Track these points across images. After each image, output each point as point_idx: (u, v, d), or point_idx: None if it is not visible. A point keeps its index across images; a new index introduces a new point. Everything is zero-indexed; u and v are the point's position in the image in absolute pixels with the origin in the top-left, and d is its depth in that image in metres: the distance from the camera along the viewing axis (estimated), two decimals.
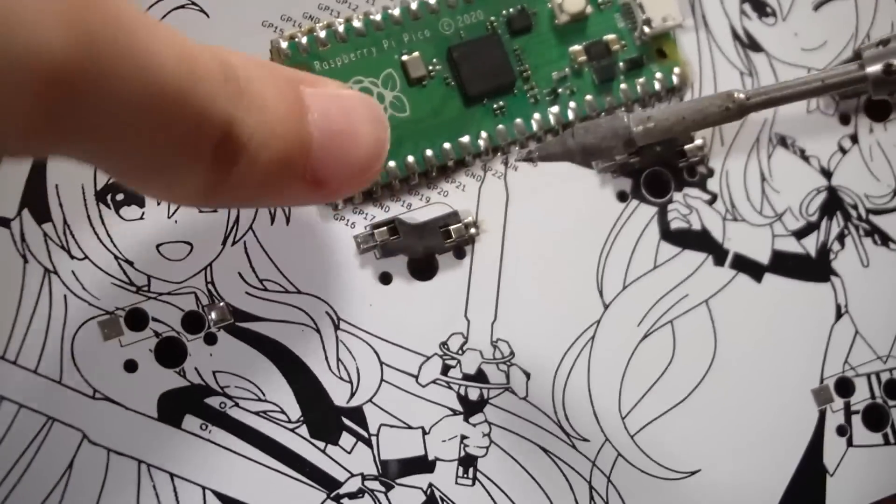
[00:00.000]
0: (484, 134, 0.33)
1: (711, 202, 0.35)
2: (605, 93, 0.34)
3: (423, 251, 0.32)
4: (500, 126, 0.33)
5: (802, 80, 0.25)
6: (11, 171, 0.30)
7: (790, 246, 0.36)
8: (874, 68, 0.24)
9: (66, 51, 0.16)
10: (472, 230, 0.33)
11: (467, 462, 0.32)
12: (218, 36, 0.32)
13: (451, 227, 0.33)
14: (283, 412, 0.31)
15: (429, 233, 0.33)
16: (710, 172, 0.35)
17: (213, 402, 0.31)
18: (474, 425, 0.33)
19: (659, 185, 0.35)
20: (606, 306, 0.34)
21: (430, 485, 0.32)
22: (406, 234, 0.32)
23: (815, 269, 0.36)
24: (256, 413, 0.31)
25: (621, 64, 0.34)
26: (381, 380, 0.32)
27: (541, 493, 0.33)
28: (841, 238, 0.36)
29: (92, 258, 0.31)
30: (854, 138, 0.36)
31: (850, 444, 0.35)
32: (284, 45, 0.32)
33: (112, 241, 0.31)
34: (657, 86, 0.34)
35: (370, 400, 0.32)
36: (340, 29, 0.32)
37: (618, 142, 0.27)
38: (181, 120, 0.19)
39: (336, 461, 0.31)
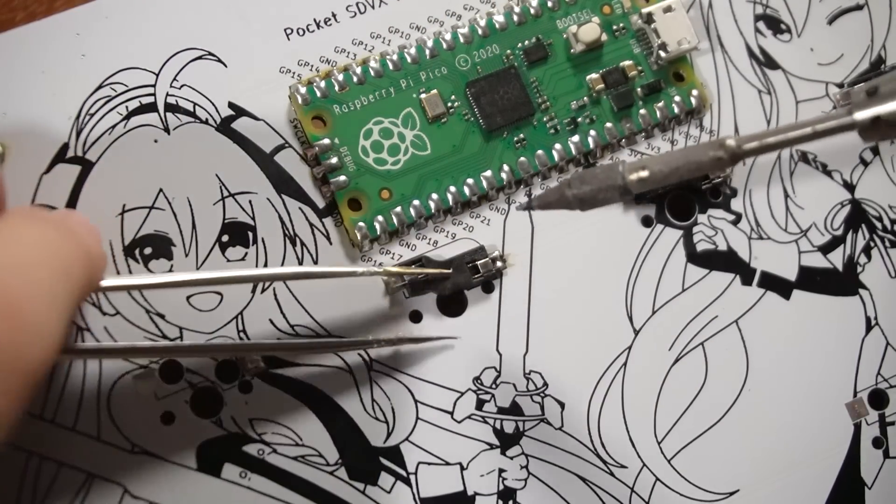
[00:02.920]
0: (506, 167, 0.33)
1: (736, 222, 0.35)
2: (625, 119, 0.34)
3: (452, 288, 0.32)
4: (522, 158, 0.33)
5: (792, 126, 0.25)
6: None
7: (817, 261, 0.35)
8: (862, 116, 0.24)
9: None
10: (500, 264, 0.33)
11: (506, 495, 0.32)
12: (237, 85, 0.32)
13: (479, 262, 0.33)
14: (320, 456, 0.31)
15: (456, 269, 0.33)
16: (734, 192, 0.35)
17: (252, 449, 0.31)
18: (512, 458, 0.33)
19: (683, 208, 0.35)
20: (637, 332, 0.34)
21: None
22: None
23: (843, 282, 0.36)
24: (295, 458, 0.31)
25: (639, 90, 0.34)
26: (417, 418, 0.32)
27: None
28: (867, 250, 0.36)
29: (123, 313, 0.31)
30: (875, 150, 0.36)
31: (886, 455, 0.35)
32: (303, 90, 0.32)
33: (142, 295, 0.31)
34: (676, 109, 0.34)
35: (407, 439, 0.32)
36: (358, 71, 0.32)
37: (613, 192, 0.27)
38: None
39: (376, 502, 0.32)
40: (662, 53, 0.34)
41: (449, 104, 0.33)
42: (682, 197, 0.35)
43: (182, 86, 0.32)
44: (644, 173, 0.26)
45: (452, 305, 0.33)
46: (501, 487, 0.32)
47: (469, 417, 0.33)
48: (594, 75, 0.34)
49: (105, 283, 0.25)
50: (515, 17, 0.34)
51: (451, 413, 0.32)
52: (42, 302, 0.21)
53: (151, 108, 0.32)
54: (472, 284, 0.33)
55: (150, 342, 0.30)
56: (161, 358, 0.31)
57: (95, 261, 0.24)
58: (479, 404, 0.33)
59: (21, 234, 0.22)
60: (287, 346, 0.31)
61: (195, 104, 0.32)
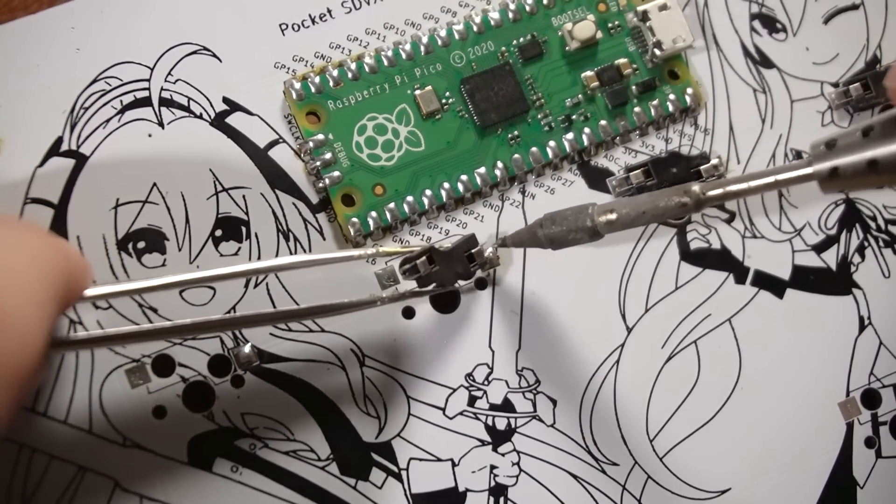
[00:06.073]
0: (500, 164, 0.33)
1: (730, 221, 0.35)
2: (619, 117, 0.34)
3: (454, 279, 0.32)
4: (516, 155, 0.33)
5: (755, 175, 0.26)
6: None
7: (811, 260, 0.35)
8: (821, 167, 0.25)
9: None
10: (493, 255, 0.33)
11: (498, 492, 0.32)
12: (231, 80, 0.32)
13: (474, 252, 0.32)
14: (312, 451, 0.31)
15: (455, 260, 0.32)
16: None
17: (243, 444, 0.31)
18: (503, 455, 0.33)
19: None
20: (630, 329, 0.34)
21: None
22: (441, 263, 0.32)
23: (837, 282, 0.36)
24: (286, 453, 0.31)
25: (634, 87, 0.34)
26: (409, 414, 0.32)
27: None
28: (861, 250, 0.36)
29: (116, 307, 0.31)
30: None
31: (878, 455, 0.35)
32: (297, 85, 0.32)
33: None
34: (671, 107, 0.34)
35: (398, 434, 0.32)
36: (353, 67, 0.32)
37: (583, 234, 0.29)
38: None
39: (367, 497, 0.32)
40: (657, 51, 0.34)
41: (443, 100, 0.33)
42: None
43: (177, 80, 0.32)
44: (612, 216, 0.28)
45: (446, 301, 0.33)
46: (493, 484, 0.32)
47: (461, 414, 0.33)
48: (589, 73, 0.34)
49: (90, 292, 0.25)
50: (511, 14, 0.34)
51: (443, 409, 0.32)
52: (25, 305, 0.21)
53: (146, 102, 0.32)
54: (471, 273, 0.33)
55: (138, 327, 0.30)
56: (158, 340, 0.30)
57: (76, 266, 0.23)
58: (471, 401, 0.33)
59: (1, 238, 0.22)
60: (289, 313, 0.31)
61: (190, 99, 0.32)
